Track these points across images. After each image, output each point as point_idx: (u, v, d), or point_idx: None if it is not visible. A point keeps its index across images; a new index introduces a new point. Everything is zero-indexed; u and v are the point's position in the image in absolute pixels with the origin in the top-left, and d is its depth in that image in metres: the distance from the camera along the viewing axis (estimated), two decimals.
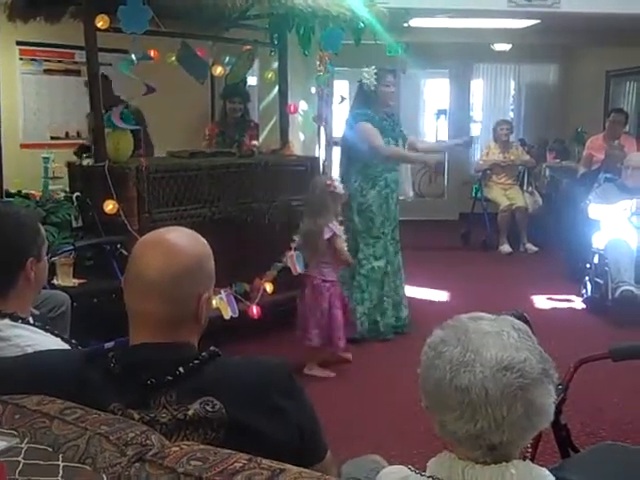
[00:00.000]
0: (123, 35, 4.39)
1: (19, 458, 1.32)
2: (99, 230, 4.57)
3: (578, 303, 6.29)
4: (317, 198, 4.67)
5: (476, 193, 9.13)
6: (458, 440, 1.40)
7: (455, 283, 6.98)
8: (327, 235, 4.58)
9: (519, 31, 8.50)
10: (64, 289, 4.10)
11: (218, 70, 5.65)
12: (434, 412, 1.42)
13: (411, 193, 5.68)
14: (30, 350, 2.00)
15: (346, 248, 4.77)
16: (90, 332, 3.82)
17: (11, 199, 4.74)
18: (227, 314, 4.63)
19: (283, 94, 5.94)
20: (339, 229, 4.67)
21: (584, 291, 6.23)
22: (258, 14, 5.53)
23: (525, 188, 8.87)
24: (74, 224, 4.66)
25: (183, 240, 1.72)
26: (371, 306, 5.34)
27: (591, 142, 8.07)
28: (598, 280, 5.97)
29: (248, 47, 5.75)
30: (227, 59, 5.84)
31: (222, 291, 4.65)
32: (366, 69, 5.32)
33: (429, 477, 1.44)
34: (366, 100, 5.36)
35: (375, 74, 5.29)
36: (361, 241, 5.33)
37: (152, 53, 4.81)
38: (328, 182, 4.72)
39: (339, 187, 4.69)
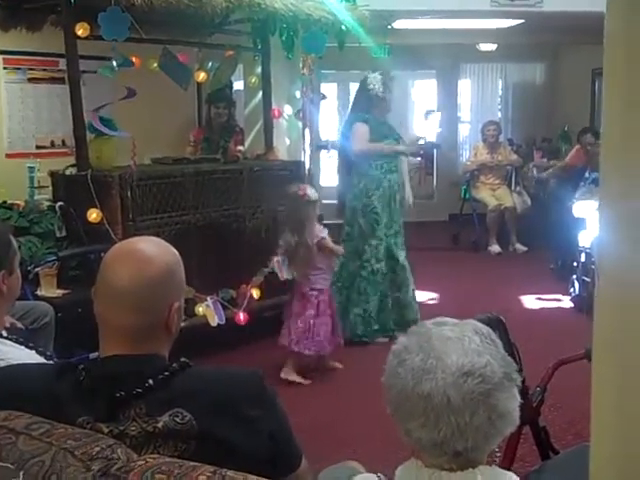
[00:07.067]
0: (109, 42, 4.38)
1: None
2: (83, 239, 4.52)
3: (566, 302, 6.30)
4: (295, 212, 4.56)
5: (465, 194, 9.13)
6: (423, 447, 1.39)
7: (446, 284, 6.99)
8: (315, 240, 4.54)
9: (504, 31, 8.50)
10: (48, 300, 4.06)
11: (201, 76, 5.64)
12: (399, 420, 1.41)
13: (411, 200, 5.65)
14: (2, 364, 1.98)
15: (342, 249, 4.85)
16: (75, 343, 3.82)
17: None
18: (214, 321, 4.61)
19: (267, 98, 5.92)
20: (321, 229, 4.63)
21: (572, 290, 6.24)
22: (240, 19, 5.52)
23: (513, 188, 8.84)
24: (58, 234, 4.61)
25: (153, 250, 1.71)
26: (368, 308, 5.32)
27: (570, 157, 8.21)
28: (585, 278, 5.97)
29: (231, 52, 5.73)
30: (210, 64, 5.81)
31: (208, 298, 4.63)
32: (372, 74, 5.35)
33: None
34: (368, 105, 5.39)
35: (382, 81, 5.32)
36: (365, 243, 5.32)
37: (134, 59, 4.79)
38: (300, 192, 4.53)
39: (311, 193, 4.54)
